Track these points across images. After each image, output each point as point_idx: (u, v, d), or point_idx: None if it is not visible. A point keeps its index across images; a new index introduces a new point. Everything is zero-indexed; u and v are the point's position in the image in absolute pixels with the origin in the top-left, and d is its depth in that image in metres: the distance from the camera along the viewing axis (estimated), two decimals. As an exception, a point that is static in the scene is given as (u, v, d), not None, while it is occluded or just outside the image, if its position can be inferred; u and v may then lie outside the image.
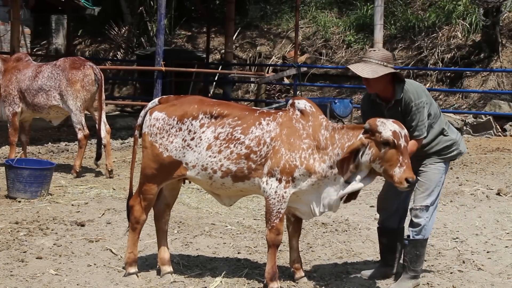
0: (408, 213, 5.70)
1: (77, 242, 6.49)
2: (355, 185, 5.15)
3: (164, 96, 5.69)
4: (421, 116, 5.29)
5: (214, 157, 5.26)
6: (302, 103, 5.32)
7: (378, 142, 5.00)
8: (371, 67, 5.26)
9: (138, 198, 5.48)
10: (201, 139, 5.29)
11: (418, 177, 5.47)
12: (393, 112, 5.36)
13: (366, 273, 5.81)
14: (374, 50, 5.39)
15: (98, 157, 9.88)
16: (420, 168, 5.50)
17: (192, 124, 5.32)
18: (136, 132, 5.61)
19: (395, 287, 5.58)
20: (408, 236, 5.55)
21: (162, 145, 5.36)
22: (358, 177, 5.14)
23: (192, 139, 5.31)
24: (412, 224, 5.52)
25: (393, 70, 5.30)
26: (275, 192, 5.18)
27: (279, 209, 5.20)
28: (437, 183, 5.51)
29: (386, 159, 4.99)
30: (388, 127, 5.00)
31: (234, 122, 5.30)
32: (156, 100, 5.62)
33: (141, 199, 5.47)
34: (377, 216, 7.73)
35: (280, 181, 5.17)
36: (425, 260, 6.20)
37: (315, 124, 5.23)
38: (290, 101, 5.40)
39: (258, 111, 5.38)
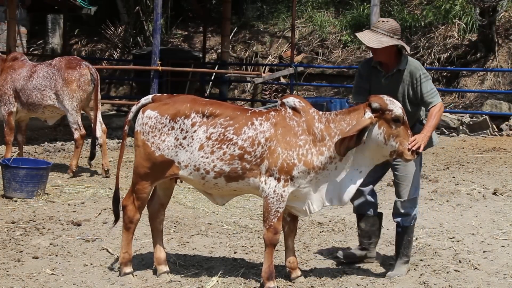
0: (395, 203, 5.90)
1: (73, 242, 6.48)
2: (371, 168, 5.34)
3: (157, 94, 5.68)
4: (430, 84, 5.56)
5: (207, 157, 5.25)
6: (291, 101, 5.34)
7: (388, 120, 5.18)
8: (377, 37, 5.49)
9: (131, 197, 5.47)
10: (193, 139, 5.28)
11: (396, 172, 5.80)
12: (391, 81, 5.61)
13: (341, 254, 6.09)
14: (383, 21, 5.60)
15: (92, 156, 9.86)
16: (396, 162, 5.68)
17: (184, 123, 5.31)
18: (126, 127, 5.60)
19: (393, 273, 5.75)
20: (398, 224, 5.84)
21: (155, 144, 5.35)
22: (369, 164, 5.30)
23: (184, 138, 5.30)
24: (402, 214, 5.80)
25: (398, 42, 5.51)
26: (274, 191, 5.17)
27: (277, 208, 5.20)
28: (416, 174, 5.76)
29: (398, 135, 5.20)
30: (397, 104, 5.22)
31: (226, 122, 5.29)
32: (149, 96, 5.60)
33: (134, 198, 5.46)
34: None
35: (278, 180, 5.17)
36: (421, 260, 6.22)
37: (308, 118, 5.26)
38: (279, 102, 5.41)
39: (250, 111, 5.38)
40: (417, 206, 5.87)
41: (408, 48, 5.61)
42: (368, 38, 5.54)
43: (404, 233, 5.83)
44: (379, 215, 6.13)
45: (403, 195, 5.77)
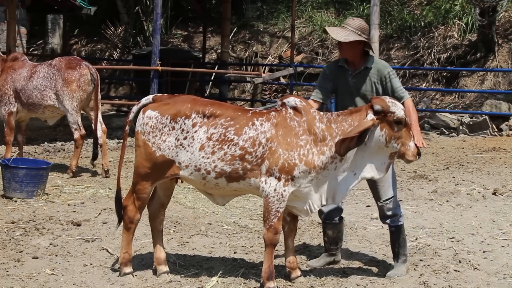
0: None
1: (73, 242, 6.48)
2: (367, 174, 5.33)
3: (158, 94, 5.68)
4: (398, 81, 5.77)
5: (207, 158, 5.25)
6: (292, 100, 5.34)
7: (390, 122, 5.20)
8: (346, 32, 5.67)
9: (132, 197, 5.47)
10: (193, 139, 5.28)
11: None
12: (358, 79, 5.75)
13: (313, 263, 6.12)
14: (353, 19, 5.82)
15: (95, 157, 9.85)
16: None
17: (185, 124, 5.31)
18: (127, 127, 5.60)
19: (392, 273, 5.81)
20: (390, 225, 5.92)
21: (155, 144, 5.35)
22: (372, 166, 5.29)
23: (185, 138, 5.30)
24: (390, 216, 5.87)
25: (365, 39, 5.70)
26: (274, 190, 5.18)
27: (278, 208, 5.20)
28: (390, 174, 5.83)
29: (400, 137, 5.23)
30: (399, 106, 5.26)
31: (227, 122, 5.29)
32: (150, 96, 5.60)
33: (135, 198, 5.45)
34: (374, 216, 7.78)
35: (279, 179, 5.17)
36: (421, 260, 6.22)
37: (309, 118, 5.26)
38: (279, 102, 5.42)
39: (250, 111, 5.38)
40: (399, 204, 5.99)
41: (373, 49, 5.87)
42: (336, 32, 5.73)
43: (398, 232, 5.90)
44: (342, 220, 6.19)
45: (383, 196, 5.85)
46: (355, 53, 5.74)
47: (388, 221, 5.89)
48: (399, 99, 5.65)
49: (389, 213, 5.85)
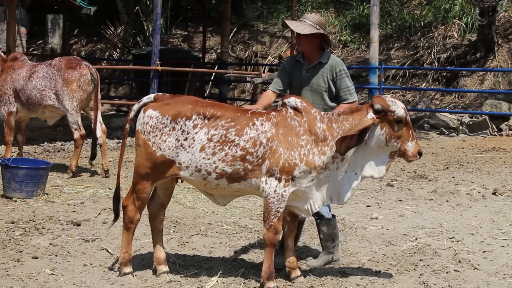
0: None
1: (73, 242, 6.48)
2: (367, 173, 5.33)
3: (159, 94, 5.67)
4: (349, 81, 5.85)
5: (208, 159, 5.25)
6: (292, 101, 5.35)
7: (390, 121, 5.22)
8: (304, 25, 5.82)
9: (132, 197, 5.47)
10: (194, 140, 5.28)
11: None
12: (312, 74, 5.88)
13: (312, 263, 6.08)
14: (311, 14, 5.98)
15: (93, 157, 9.86)
16: None
17: (185, 125, 5.31)
18: (127, 126, 5.60)
19: (312, 263, 6.02)
20: (316, 218, 6.06)
21: (155, 144, 5.34)
22: (372, 165, 5.29)
23: (185, 139, 5.29)
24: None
25: (323, 32, 5.83)
26: (274, 191, 5.17)
27: (278, 208, 5.20)
28: None
29: (400, 136, 5.24)
30: (399, 105, 5.26)
31: (228, 123, 5.28)
32: (151, 95, 5.59)
33: (135, 198, 5.45)
34: (373, 216, 7.78)
35: (279, 180, 5.17)
36: (421, 260, 6.22)
37: (310, 118, 5.27)
38: (280, 102, 5.44)
39: (250, 112, 5.38)
40: None
41: (330, 43, 5.99)
42: (295, 25, 5.86)
43: (324, 225, 6.01)
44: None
45: None
46: (312, 47, 5.88)
47: (323, 211, 5.99)
48: (343, 100, 5.81)
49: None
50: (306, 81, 5.90)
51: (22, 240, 6.44)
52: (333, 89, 5.86)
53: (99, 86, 9.84)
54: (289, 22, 5.98)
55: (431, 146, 13.57)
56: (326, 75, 5.86)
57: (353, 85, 5.94)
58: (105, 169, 9.75)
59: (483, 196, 8.87)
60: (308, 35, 5.79)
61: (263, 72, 19.03)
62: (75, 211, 7.68)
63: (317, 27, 5.81)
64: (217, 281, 5.48)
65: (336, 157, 5.23)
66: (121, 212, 5.61)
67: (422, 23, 19.73)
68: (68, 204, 7.96)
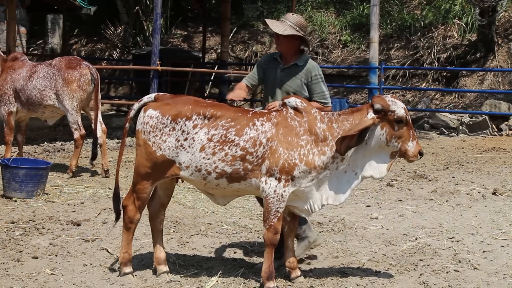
0: None
1: (73, 242, 6.48)
2: (367, 173, 5.32)
3: (160, 93, 5.67)
4: (323, 86, 5.85)
5: (208, 158, 5.25)
6: (293, 101, 5.35)
7: (390, 121, 5.22)
8: (284, 26, 5.79)
9: (132, 197, 5.47)
10: (194, 140, 5.27)
11: None
12: (286, 74, 5.86)
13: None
14: (293, 15, 5.95)
15: (94, 157, 9.85)
16: None
17: (185, 125, 5.31)
18: (127, 125, 5.59)
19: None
20: None
21: (156, 144, 5.34)
22: (373, 165, 5.29)
23: (185, 139, 5.29)
24: None
25: (302, 34, 5.81)
26: (274, 191, 5.17)
27: (277, 208, 5.20)
28: None
29: (401, 136, 5.24)
30: (400, 105, 5.25)
31: (228, 123, 5.29)
32: (152, 95, 5.58)
33: (135, 198, 5.45)
34: (373, 215, 7.78)
35: (279, 180, 5.17)
36: (421, 260, 6.22)
37: (310, 118, 5.27)
38: (280, 102, 5.43)
39: (251, 112, 5.38)
40: None
41: (309, 46, 5.99)
42: (276, 25, 5.83)
43: None
44: None
45: None
46: (290, 48, 5.86)
47: None
48: (320, 103, 5.76)
49: None
50: (280, 80, 5.87)
51: (22, 240, 6.44)
52: (306, 93, 5.81)
53: (99, 86, 9.84)
54: (270, 22, 5.95)
55: (431, 146, 13.57)
56: (301, 78, 5.82)
57: (328, 91, 5.93)
58: (105, 169, 9.75)
59: (483, 196, 8.87)
60: (286, 35, 5.76)
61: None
62: (75, 211, 7.68)
63: (297, 28, 5.78)
64: (217, 281, 5.48)
65: (336, 157, 5.23)
66: (121, 212, 5.61)
67: (422, 23, 19.73)
68: (68, 204, 7.96)
